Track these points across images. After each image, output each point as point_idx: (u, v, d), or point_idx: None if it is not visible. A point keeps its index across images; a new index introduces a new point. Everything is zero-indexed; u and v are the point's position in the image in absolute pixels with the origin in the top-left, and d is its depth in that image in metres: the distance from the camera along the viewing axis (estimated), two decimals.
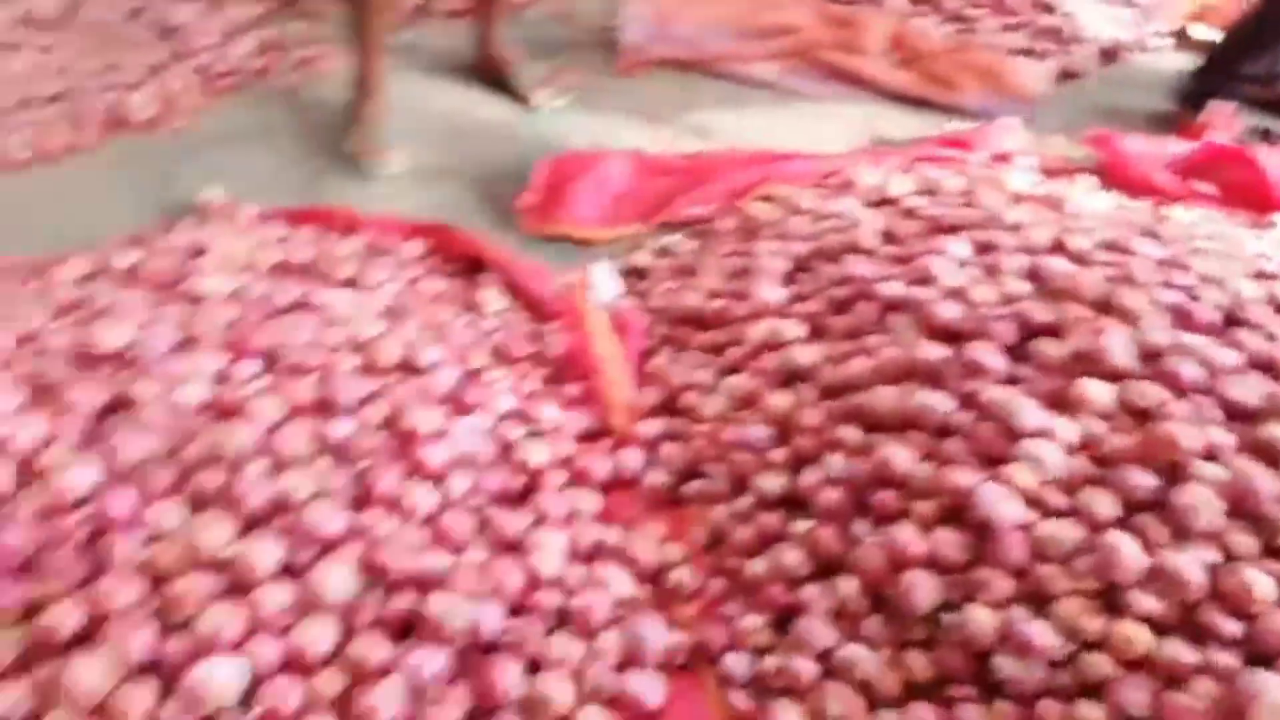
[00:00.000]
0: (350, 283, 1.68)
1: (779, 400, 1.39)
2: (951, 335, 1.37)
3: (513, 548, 1.26)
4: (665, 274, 1.83)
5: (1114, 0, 2.76)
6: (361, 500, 1.23)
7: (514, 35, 2.48)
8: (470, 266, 1.85)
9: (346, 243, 1.83)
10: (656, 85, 2.51)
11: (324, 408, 1.32)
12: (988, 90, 2.47)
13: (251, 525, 1.15)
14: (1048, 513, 1.15)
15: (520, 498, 1.34)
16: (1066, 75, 2.61)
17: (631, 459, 1.42)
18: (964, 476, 1.17)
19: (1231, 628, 1.05)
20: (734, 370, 1.50)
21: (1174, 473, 1.16)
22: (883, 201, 1.92)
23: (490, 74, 2.40)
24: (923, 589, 1.14)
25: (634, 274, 1.88)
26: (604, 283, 1.74)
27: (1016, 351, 1.34)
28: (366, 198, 2.07)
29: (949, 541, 1.16)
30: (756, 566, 1.25)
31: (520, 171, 2.13)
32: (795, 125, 2.39)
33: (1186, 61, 2.58)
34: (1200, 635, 1.07)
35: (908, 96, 2.48)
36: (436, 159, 2.23)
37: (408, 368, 1.45)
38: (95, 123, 2.25)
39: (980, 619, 1.10)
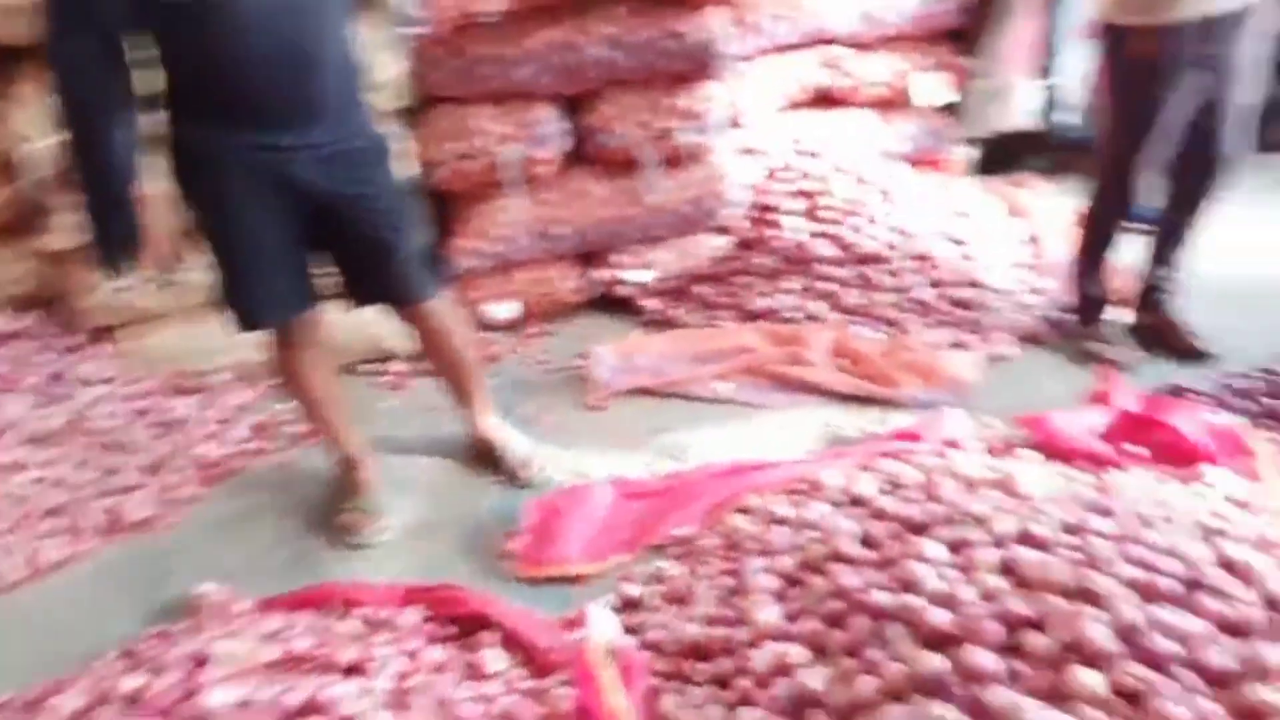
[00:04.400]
0: (354, 669, 1.71)
1: None
2: (944, 638, 1.45)
3: None
4: (658, 602, 1.89)
5: (1022, 290, 3.13)
6: None
7: (495, 383, 2.72)
8: (469, 624, 1.89)
9: (345, 623, 1.88)
10: (625, 413, 2.73)
11: None
12: (924, 383, 2.73)
13: None
14: None
15: None
16: (993, 360, 2.90)
17: None
18: None
19: None
20: (744, 702, 1.54)
21: None
22: (853, 502, 2.08)
23: (481, 454, 2.52)
24: None
25: (628, 606, 1.94)
26: (602, 622, 1.79)
27: (1006, 648, 1.43)
28: (359, 566, 2.16)
29: None
30: None
31: (507, 516, 2.25)
32: (758, 435, 2.60)
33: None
34: None
35: (855, 396, 2.73)
36: (424, 515, 2.34)
37: None
38: (92, 530, 2.32)
39: None
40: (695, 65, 3.02)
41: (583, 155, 3.15)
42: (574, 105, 3.10)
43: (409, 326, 2.30)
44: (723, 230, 3.24)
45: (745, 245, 3.20)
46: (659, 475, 2.42)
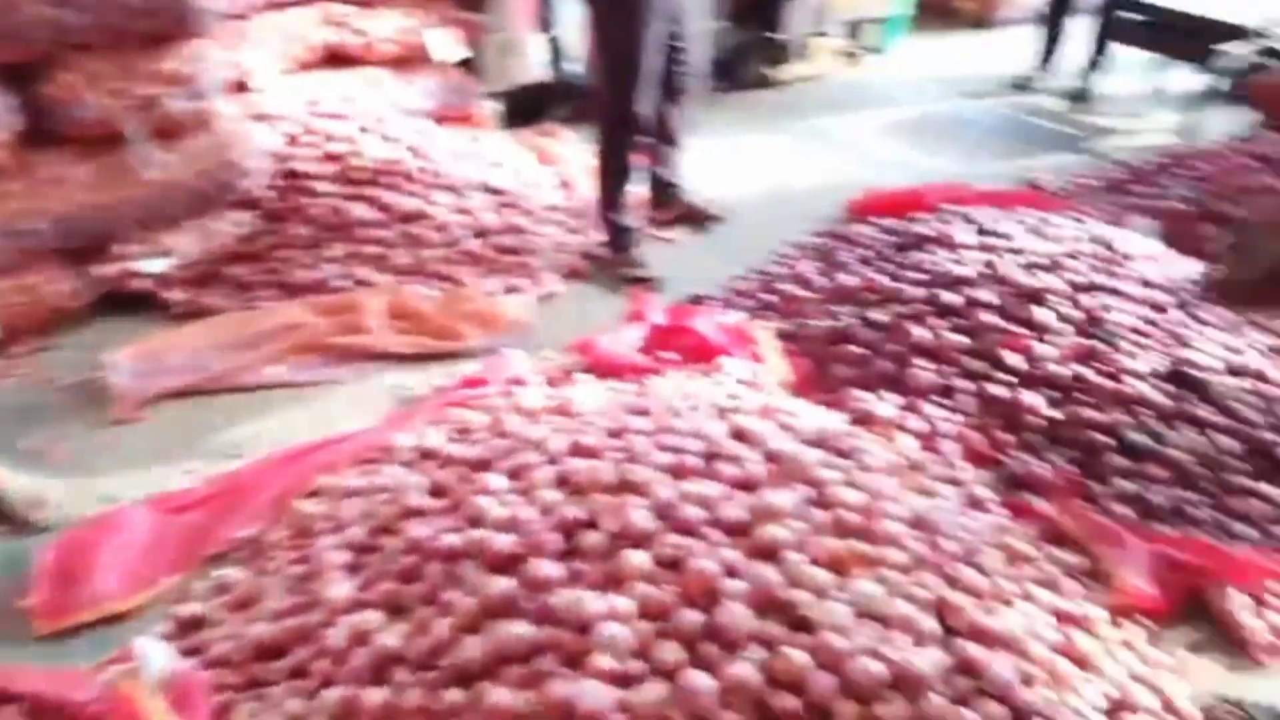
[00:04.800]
0: None
1: (376, 696, 1.39)
2: (511, 560, 1.51)
3: None
4: (223, 614, 1.74)
5: (559, 231, 3.34)
6: None
7: None
8: None
9: None
10: (162, 421, 2.42)
11: None
12: (485, 330, 2.80)
13: None
14: (634, 682, 1.30)
15: None
16: (543, 298, 3.07)
17: None
18: (559, 687, 1.29)
19: (792, 703, 1.28)
20: (325, 684, 1.46)
21: (710, 599, 1.40)
22: (424, 457, 2.08)
23: None
24: None
25: (189, 627, 1.75)
26: (154, 653, 1.57)
27: (568, 553, 1.53)
28: None
29: None
30: None
31: (18, 567, 1.89)
32: (323, 413, 2.47)
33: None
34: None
35: (419, 355, 2.71)
36: None
37: None
38: None
39: None
40: (171, 23, 2.70)
41: (48, 133, 2.67)
42: (21, 75, 2.61)
43: None
44: (248, 204, 2.98)
45: (276, 217, 2.99)
46: (210, 480, 2.19)
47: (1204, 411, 2.08)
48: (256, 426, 2.41)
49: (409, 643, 1.44)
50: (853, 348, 2.39)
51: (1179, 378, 2.14)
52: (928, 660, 1.32)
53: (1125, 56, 4.68)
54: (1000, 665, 1.37)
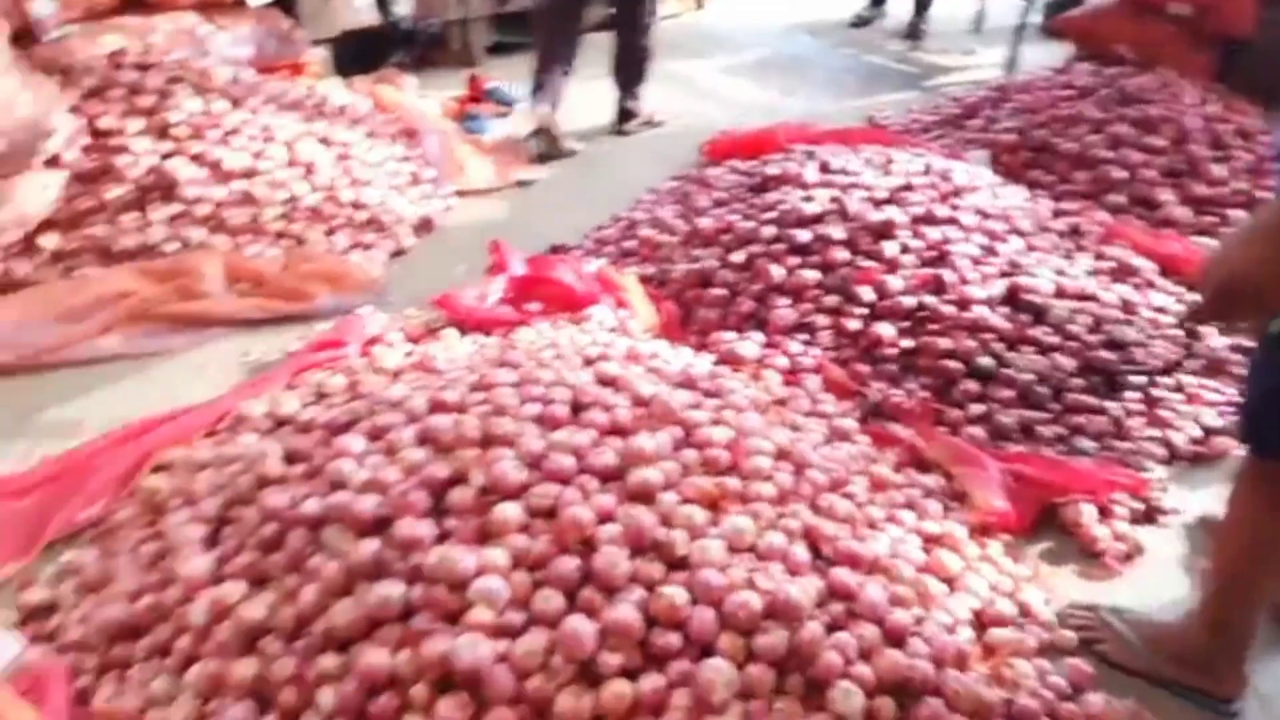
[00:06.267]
0: None
1: (245, 668, 1.33)
2: (379, 523, 1.46)
3: None
4: (74, 598, 1.62)
5: (409, 184, 3.21)
6: None
7: None
8: None
9: None
10: None
11: None
12: (335, 289, 2.67)
13: None
14: (514, 634, 1.29)
15: None
16: (396, 254, 2.95)
17: None
18: (437, 643, 1.26)
19: (674, 639, 1.31)
20: (191, 661, 1.39)
21: (587, 545, 1.40)
22: (279, 424, 1.97)
23: None
24: None
25: (38, 614, 1.63)
26: (2, 647, 1.48)
27: (437, 511, 1.49)
28: None
29: (451, 708, 1.23)
30: None
31: None
32: (166, 385, 2.31)
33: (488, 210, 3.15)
34: (658, 659, 1.30)
35: (264, 320, 2.56)
36: None
37: None
38: None
39: None
40: None
41: None
42: None
43: None
44: (52, 164, 2.70)
45: (89, 179, 2.72)
46: (47, 461, 2.01)
47: (1042, 333, 2.21)
48: (92, 402, 2.24)
49: (275, 613, 1.38)
50: (715, 290, 2.42)
51: (1016, 302, 2.28)
52: (801, 589, 1.37)
53: None
54: (872, 589, 1.43)
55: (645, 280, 2.58)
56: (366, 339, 2.38)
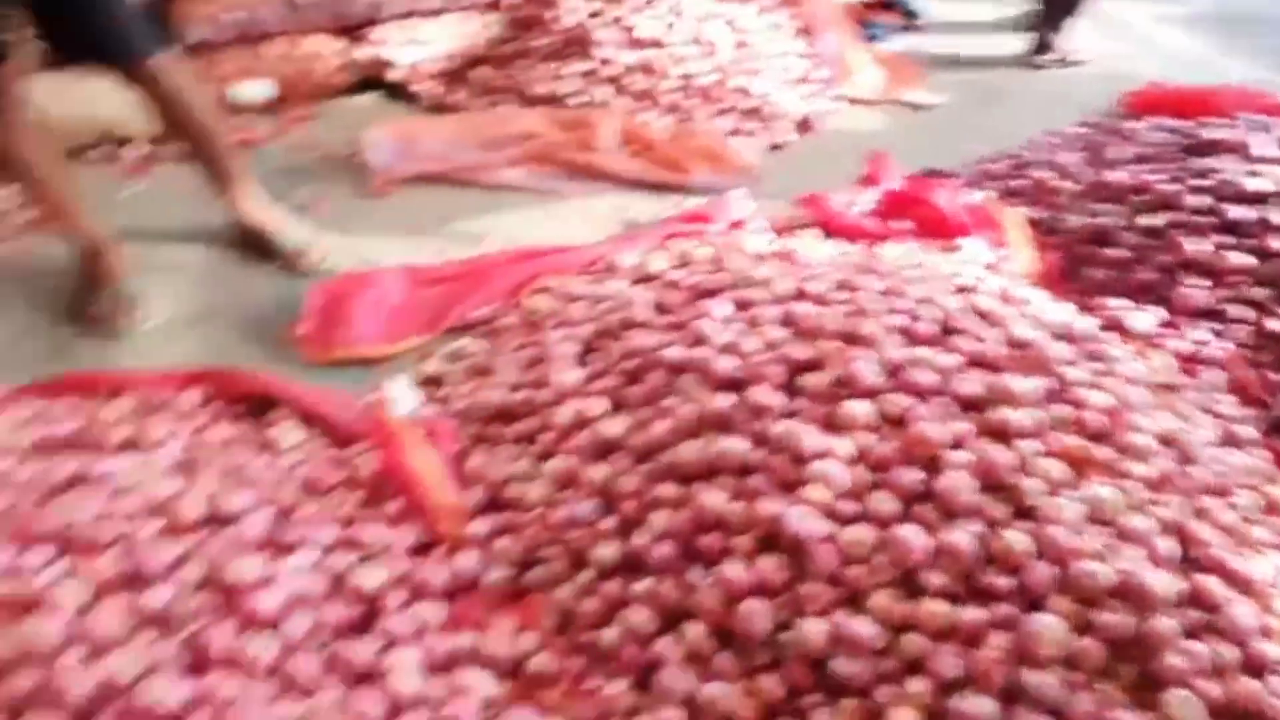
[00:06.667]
0: (129, 445, 1.58)
1: (597, 473, 1.47)
2: (733, 384, 1.53)
3: (366, 677, 1.24)
4: (461, 378, 1.88)
5: (798, 80, 3.20)
6: (198, 665, 1.16)
7: (257, 170, 2.45)
8: (257, 406, 1.80)
9: (113, 405, 1.72)
10: (413, 201, 2.58)
11: (133, 580, 1.24)
12: (712, 169, 2.76)
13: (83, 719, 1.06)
14: (845, 520, 1.31)
15: (363, 625, 1.33)
16: (774, 147, 2.98)
17: (468, 562, 1.44)
18: (770, 505, 1.32)
19: (1004, 583, 1.26)
20: (549, 455, 1.57)
21: (932, 464, 1.37)
22: (647, 278, 2.11)
23: (250, 241, 2.31)
24: (758, 615, 1.26)
25: (430, 383, 1.92)
26: (403, 396, 1.77)
27: (788, 388, 1.53)
28: (125, 356, 1.96)
29: (771, 566, 1.29)
30: (609, 635, 1.32)
31: (289, 302, 2.11)
32: (552, 222, 2.55)
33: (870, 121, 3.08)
34: (983, 596, 1.26)
35: (645, 183, 2.72)
36: (193, 303, 2.15)
37: (216, 520, 1.40)
38: None
39: (811, 630, 1.23)
40: None
41: None
42: None
43: (141, 96, 1.99)
44: (493, 6, 3.00)
45: (522, 25, 3.00)
46: (453, 261, 2.32)
47: None
48: (496, 222, 2.53)
49: (629, 435, 1.50)
50: (1113, 251, 2.19)
51: None
52: (1161, 581, 1.25)
53: None
54: (1241, 609, 1.27)
55: (1033, 224, 2.39)
56: (733, 221, 2.45)
